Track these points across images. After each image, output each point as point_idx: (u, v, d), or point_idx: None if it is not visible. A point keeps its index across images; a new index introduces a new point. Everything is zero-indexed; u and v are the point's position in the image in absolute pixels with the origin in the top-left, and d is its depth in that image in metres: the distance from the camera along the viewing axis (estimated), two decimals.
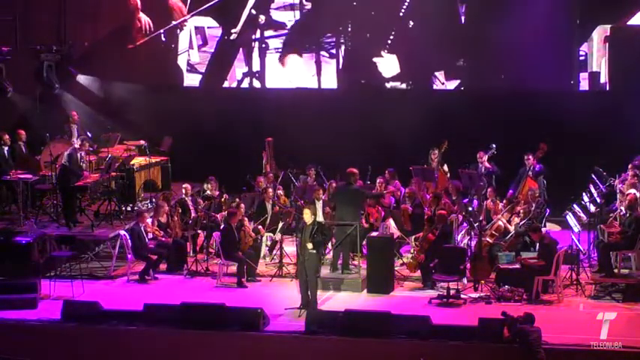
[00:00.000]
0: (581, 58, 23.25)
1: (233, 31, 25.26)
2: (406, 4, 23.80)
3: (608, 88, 23.06)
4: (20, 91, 24.30)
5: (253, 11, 25.17)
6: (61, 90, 24.79)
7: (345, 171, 18.44)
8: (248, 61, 25.22)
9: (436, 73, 24.03)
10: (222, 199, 20.22)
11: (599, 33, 23.04)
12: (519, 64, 22.91)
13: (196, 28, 25.62)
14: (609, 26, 22.92)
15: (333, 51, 24.85)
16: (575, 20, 23.02)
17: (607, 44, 22.90)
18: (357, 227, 17.46)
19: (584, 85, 23.24)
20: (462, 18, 23.51)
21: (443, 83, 23.90)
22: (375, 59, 24.14)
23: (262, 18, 25.13)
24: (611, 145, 21.46)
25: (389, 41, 24.03)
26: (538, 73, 22.80)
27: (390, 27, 24.01)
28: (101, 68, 25.03)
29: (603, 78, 23.11)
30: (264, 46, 25.23)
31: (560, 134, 21.93)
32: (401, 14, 23.87)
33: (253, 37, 25.26)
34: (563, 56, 23.19)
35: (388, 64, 24.09)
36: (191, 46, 25.60)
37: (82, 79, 25.09)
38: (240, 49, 25.31)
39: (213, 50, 25.39)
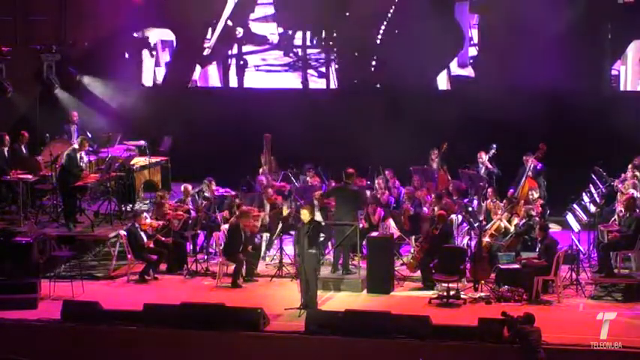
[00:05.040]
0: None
1: (206, 45, 23.67)
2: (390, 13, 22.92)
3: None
4: (20, 91, 24.30)
5: (229, 22, 23.35)
6: (61, 90, 24.78)
7: (345, 171, 18.45)
8: (224, 80, 23.90)
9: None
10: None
11: (635, 49, 22.26)
12: (531, 66, 22.58)
13: (163, 42, 24.43)
14: None
15: (322, 69, 23.81)
16: (606, 34, 22.35)
17: None
18: (357, 228, 17.47)
19: None
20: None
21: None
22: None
23: (240, 31, 23.50)
24: (613, 145, 21.47)
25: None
26: (552, 75, 22.45)
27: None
28: (101, 68, 25.01)
29: None
30: (242, 63, 23.70)
31: (563, 134, 21.96)
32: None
33: (229, 52, 23.58)
34: (581, 58, 22.48)
35: None
36: (157, 64, 24.76)
37: (82, 79, 25.08)
38: (215, 65, 23.66)
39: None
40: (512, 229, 18.38)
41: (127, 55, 25.14)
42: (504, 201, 19.28)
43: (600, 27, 22.49)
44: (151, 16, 24.66)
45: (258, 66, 24.06)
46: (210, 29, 24.14)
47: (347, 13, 23.50)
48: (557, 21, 22.19)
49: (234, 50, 24.13)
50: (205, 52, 24.08)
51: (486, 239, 18.03)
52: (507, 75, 22.94)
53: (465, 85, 23.72)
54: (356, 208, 18.15)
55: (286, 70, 24.26)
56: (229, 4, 23.88)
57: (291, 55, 24.08)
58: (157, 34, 24.79)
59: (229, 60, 24.00)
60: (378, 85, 23.77)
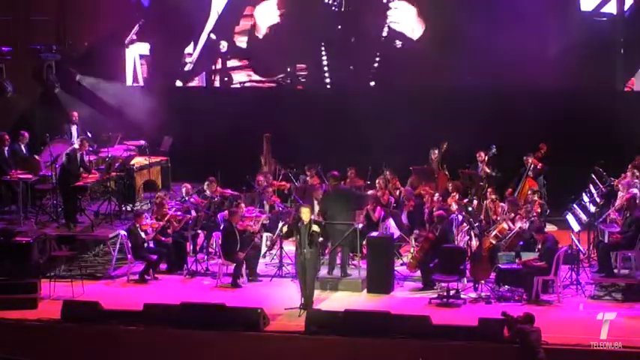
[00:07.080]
0: None
1: (188, 60, 22.95)
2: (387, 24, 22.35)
3: None
4: (20, 91, 24.32)
5: (213, 36, 22.47)
6: (61, 90, 24.79)
7: (330, 175, 18.47)
8: None
9: None
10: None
11: None
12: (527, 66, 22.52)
13: (142, 57, 23.91)
14: None
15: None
16: (618, 50, 22.17)
17: None
18: (355, 227, 17.46)
19: None
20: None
21: None
22: None
23: (224, 44, 22.71)
24: (614, 144, 21.46)
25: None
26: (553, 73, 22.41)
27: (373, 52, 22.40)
28: (101, 68, 25.01)
29: None
30: (226, 79, 22.99)
31: (563, 134, 21.95)
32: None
33: (213, 67, 22.78)
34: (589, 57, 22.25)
35: None
36: (136, 80, 24.31)
37: (82, 79, 25.08)
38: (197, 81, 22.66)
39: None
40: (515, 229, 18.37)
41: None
42: (509, 201, 19.22)
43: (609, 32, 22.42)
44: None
45: (243, 82, 23.50)
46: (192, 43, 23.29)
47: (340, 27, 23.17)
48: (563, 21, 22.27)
49: (219, 65, 23.49)
50: (187, 68, 23.47)
51: (492, 241, 17.98)
52: (507, 75, 22.93)
53: (466, 84, 23.74)
54: (350, 207, 18.08)
55: (274, 87, 23.87)
56: (212, 17, 23.18)
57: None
58: (135, 49, 24.42)
59: (213, 76, 23.31)
60: (372, 83, 23.54)
